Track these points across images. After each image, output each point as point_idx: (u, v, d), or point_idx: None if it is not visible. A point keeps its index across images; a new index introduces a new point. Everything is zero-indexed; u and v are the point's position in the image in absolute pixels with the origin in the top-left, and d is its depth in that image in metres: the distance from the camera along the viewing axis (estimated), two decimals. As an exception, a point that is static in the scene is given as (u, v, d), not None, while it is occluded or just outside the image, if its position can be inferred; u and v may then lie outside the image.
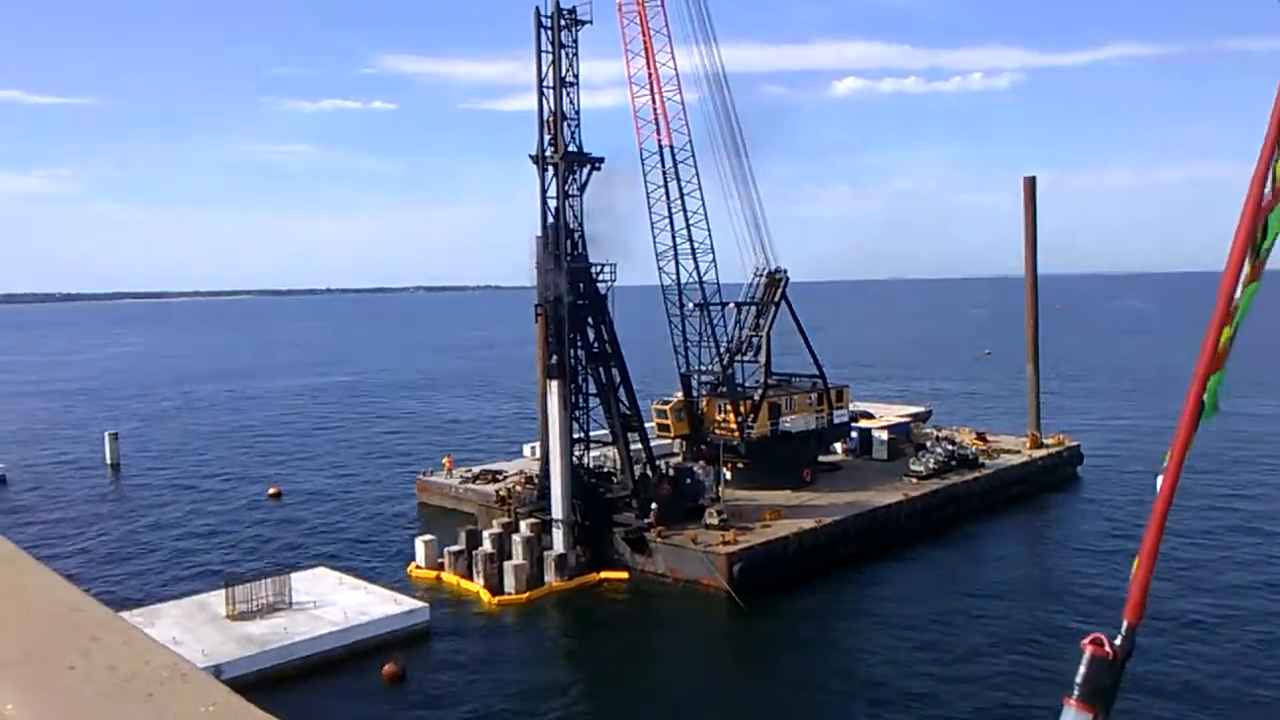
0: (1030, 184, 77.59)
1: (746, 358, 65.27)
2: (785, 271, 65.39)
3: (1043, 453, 72.52)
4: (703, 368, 62.76)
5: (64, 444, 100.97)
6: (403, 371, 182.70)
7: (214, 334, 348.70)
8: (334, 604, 44.87)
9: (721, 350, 62.14)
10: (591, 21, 55.34)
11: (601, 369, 56.76)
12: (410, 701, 38.84)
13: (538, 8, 54.68)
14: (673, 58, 57.86)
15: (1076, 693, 2.32)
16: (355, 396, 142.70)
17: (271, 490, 75.95)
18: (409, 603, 45.78)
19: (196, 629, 42.13)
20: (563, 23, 54.60)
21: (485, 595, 50.34)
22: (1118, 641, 2.32)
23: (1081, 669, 2.33)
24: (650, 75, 57.64)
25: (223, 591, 44.49)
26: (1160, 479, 2.47)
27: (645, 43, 57.47)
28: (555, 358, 55.19)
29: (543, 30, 54.76)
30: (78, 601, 3.47)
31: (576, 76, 55.08)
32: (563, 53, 54.66)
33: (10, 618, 3.29)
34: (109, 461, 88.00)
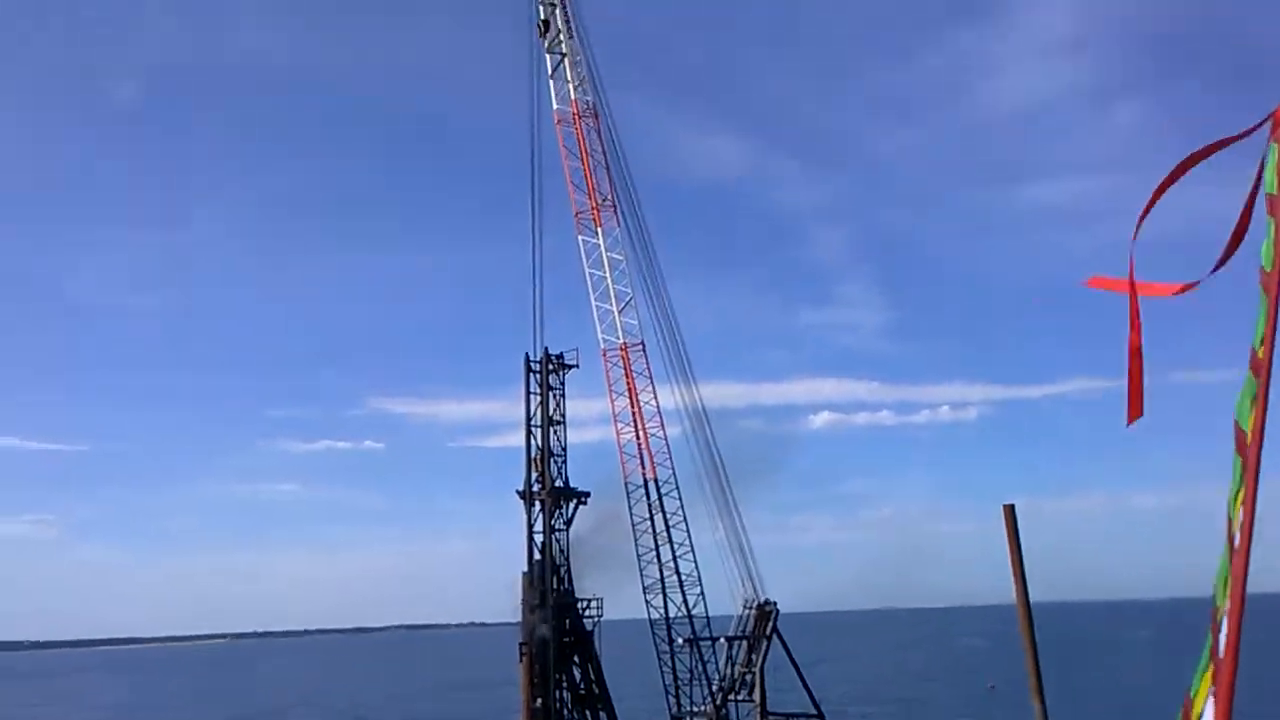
0: (1010, 512, 78.07)
1: (740, 696, 61.83)
2: (775, 603, 63.61)
3: (1063, 798, 66.83)
4: (695, 708, 59.23)
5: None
6: (379, 718, 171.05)
7: (183, 681, 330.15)
8: None
9: (714, 689, 59.02)
10: (579, 366, 58.32)
11: (588, 711, 53.53)
12: None
13: (527, 354, 57.84)
14: (655, 396, 60.37)
15: None
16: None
17: None
18: None
19: None
20: (550, 367, 57.43)
21: None
22: None
23: None
24: (634, 413, 59.78)
25: None
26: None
27: (629, 384, 60.22)
28: (539, 700, 52.17)
29: (531, 374, 57.47)
30: None
31: (563, 415, 57.09)
32: (550, 394, 56.99)
33: None
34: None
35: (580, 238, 61.99)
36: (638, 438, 59.35)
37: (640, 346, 60.74)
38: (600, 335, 61.17)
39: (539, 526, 55.16)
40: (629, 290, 61.47)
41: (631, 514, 58.60)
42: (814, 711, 63.82)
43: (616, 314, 61.11)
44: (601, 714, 54.22)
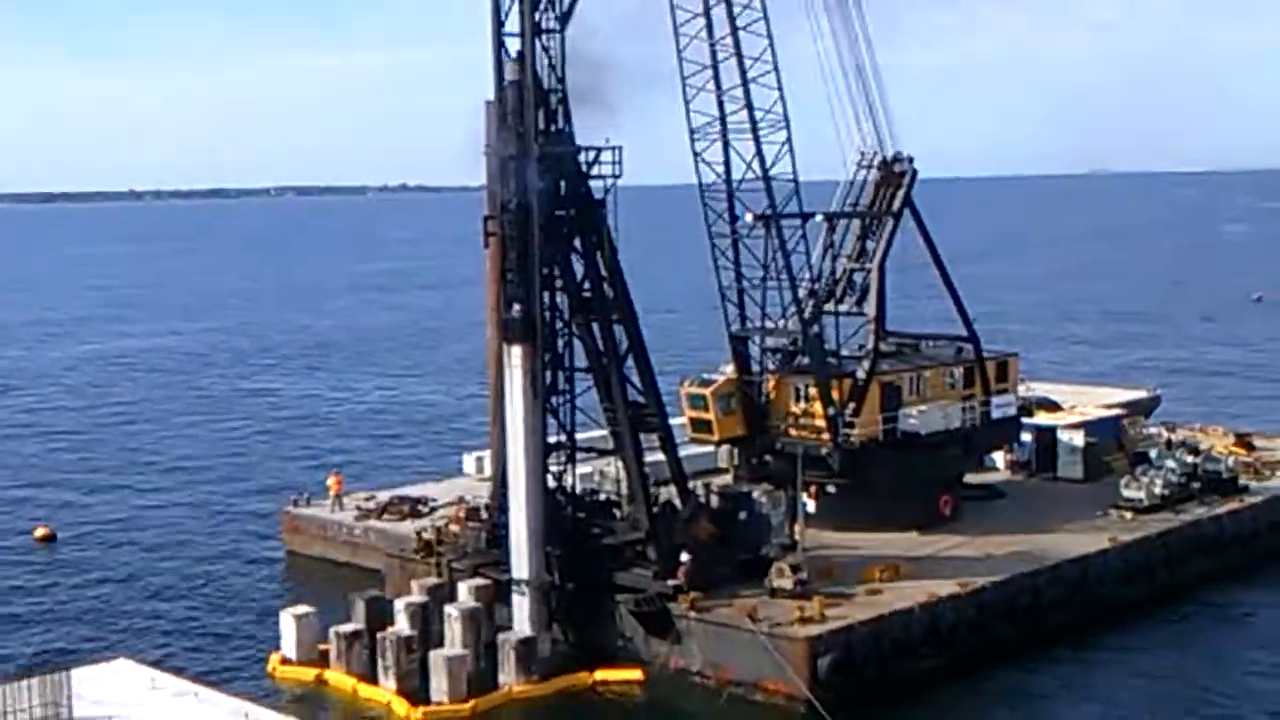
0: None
1: (844, 306, 65.05)
2: (911, 161, 65.09)
3: (1348, 470, 72.56)
4: (769, 323, 62.68)
5: None
6: (264, 327, 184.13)
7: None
8: (145, 721, 45.26)
9: (801, 294, 62.00)
10: None
11: (597, 325, 56.76)
12: None
13: None
14: None
15: None
16: (184, 371, 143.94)
17: (40, 531, 76.39)
18: (270, 719, 46.16)
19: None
20: None
21: (400, 707, 50.79)
22: None
23: None
24: None
25: (-41, 698, 44.91)
26: None
27: None
28: (517, 307, 55.23)
29: None
30: None
31: None
32: None
33: None
34: None
35: None
36: None
37: None
38: None
39: (514, 25, 54.92)
40: None
41: (674, 9, 58.23)
42: (965, 334, 67.42)
43: None
44: (616, 327, 57.28)
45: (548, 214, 55.09)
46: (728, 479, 64.85)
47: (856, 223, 65.61)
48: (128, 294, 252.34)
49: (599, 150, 56.52)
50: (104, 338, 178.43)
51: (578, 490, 58.75)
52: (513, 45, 55.46)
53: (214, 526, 77.95)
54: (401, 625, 53.69)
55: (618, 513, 58.18)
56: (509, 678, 52.26)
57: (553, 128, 55.54)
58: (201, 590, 66.25)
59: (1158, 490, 65.89)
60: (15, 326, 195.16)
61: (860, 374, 62.49)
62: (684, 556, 54.28)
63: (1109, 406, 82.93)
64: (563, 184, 55.90)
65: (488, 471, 66.52)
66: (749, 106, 59.17)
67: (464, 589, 55.88)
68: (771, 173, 59.82)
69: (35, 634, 59.74)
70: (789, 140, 60.02)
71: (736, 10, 58.44)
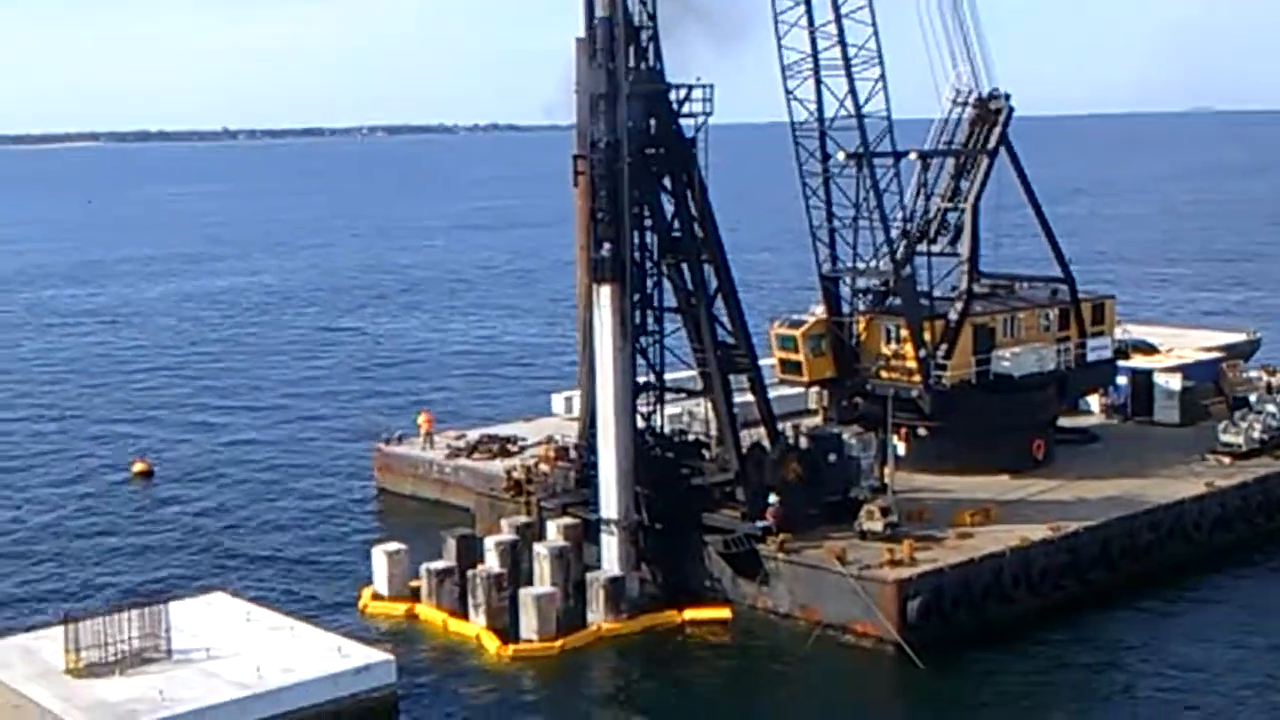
0: None
1: (937, 246, 64.55)
2: (1007, 98, 64.36)
3: None
4: (860, 264, 62.30)
5: None
6: (357, 265, 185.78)
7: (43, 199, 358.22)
8: (239, 653, 46.04)
9: (894, 234, 61.55)
10: None
11: (686, 266, 56.66)
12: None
13: None
14: None
15: None
16: (279, 308, 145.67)
17: (138, 466, 78.13)
18: (363, 653, 46.74)
19: (19, 688, 43.65)
20: None
21: (490, 643, 51.36)
22: None
23: None
24: None
25: (59, 630, 45.85)
26: None
27: None
28: (608, 246, 55.20)
29: None
30: None
31: None
32: None
33: None
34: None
35: None
36: None
37: None
38: None
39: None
40: None
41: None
42: (1060, 275, 66.71)
43: None
44: (706, 267, 57.31)
45: (637, 153, 54.91)
46: (817, 421, 64.77)
47: (950, 161, 65.07)
48: (224, 232, 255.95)
49: (690, 88, 56.24)
50: (200, 276, 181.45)
51: (666, 431, 58.98)
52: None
53: (307, 463, 79.45)
54: (492, 563, 54.42)
55: (706, 453, 58.33)
56: (597, 616, 52.79)
57: (643, 65, 55.31)
58: (295, 526, 67.64)
59: (1256, 435, 65.05)
60: (113, 264, 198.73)
61: (953, 315, 62.12)
62: (773, 498, 54.36)
63: (1207, 349, 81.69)
64: (653, 122, 55.71)
65: (577, 411, 66.79)
66: (842, 42, 58.66)
67: (553, 528, 56.49)
68: (864, 110, 59.38)
69: (134, 567, 61.34)
70: (882, 77, 59.55)
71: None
